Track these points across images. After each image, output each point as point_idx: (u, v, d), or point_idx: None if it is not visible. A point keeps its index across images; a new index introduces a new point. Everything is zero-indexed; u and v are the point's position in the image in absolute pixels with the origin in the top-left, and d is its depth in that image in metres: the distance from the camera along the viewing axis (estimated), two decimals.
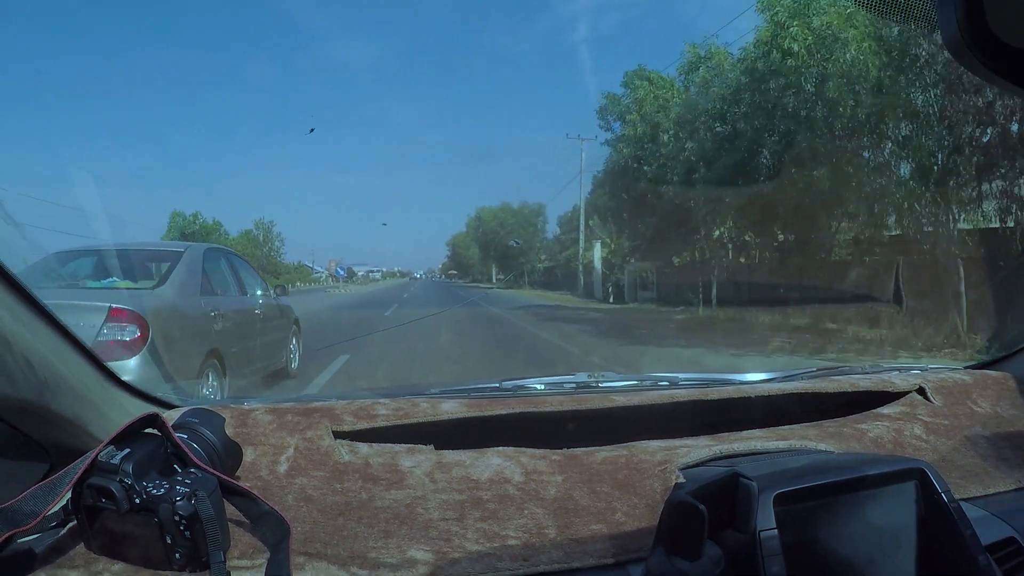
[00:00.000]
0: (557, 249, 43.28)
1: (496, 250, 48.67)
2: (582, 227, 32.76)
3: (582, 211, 32.88)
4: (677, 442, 1.13)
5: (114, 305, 3.84)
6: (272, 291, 6.67)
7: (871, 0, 0.59)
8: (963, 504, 0.97)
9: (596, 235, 31.42)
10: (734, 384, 1.39)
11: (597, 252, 30.31)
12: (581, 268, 32.40)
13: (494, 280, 53.05)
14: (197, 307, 4.70)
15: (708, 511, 0.77)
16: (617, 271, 27.24)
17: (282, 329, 6.38)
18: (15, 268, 0.85)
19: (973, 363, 1.73)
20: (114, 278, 4.68)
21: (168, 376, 3.90)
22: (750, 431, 1.20)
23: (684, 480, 0.97)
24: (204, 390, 3.96)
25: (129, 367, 3.60)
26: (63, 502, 0.83)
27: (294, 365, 6.53)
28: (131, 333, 3.78)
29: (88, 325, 3.66)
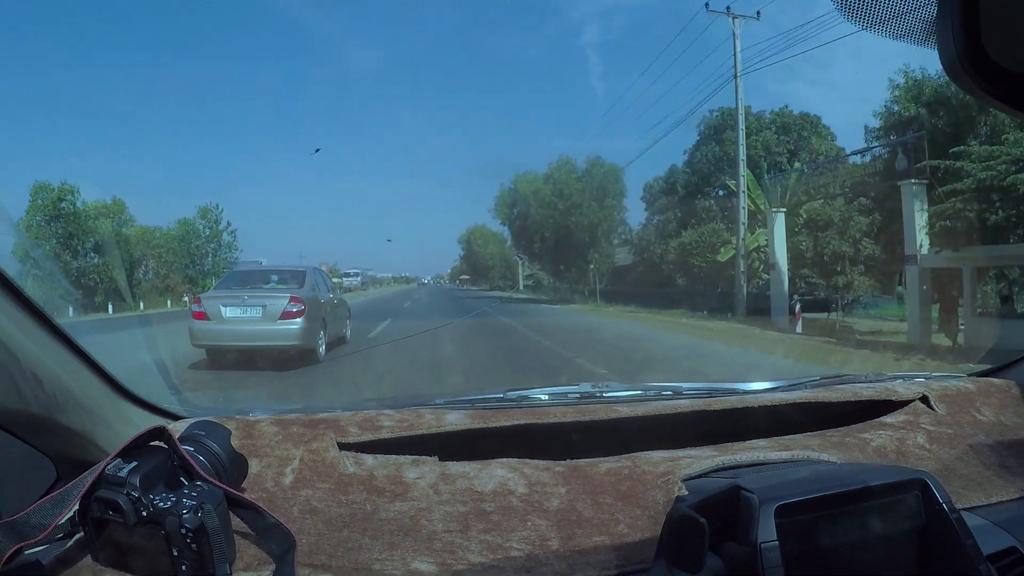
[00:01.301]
0: (652, 236, 26.60)
1: (547, 239, 28.54)
2: (741, 180, 17.99)
3: (740, 146, 18.15)
4: (680, 453, 1.14)
5: (292, 294, 8.08)
6: (339, 291, 11.76)
7: (868, 17, 0.60)
8: (965, 513, 0.97)
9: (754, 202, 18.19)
10: (738, 393, 1.40)
11: (779, 230, 16.09)
12: (742, 267, 17.86)
13: (521, 286, 41.88)
14: (316, 298, 8.62)
15: (709, 524, 0.77)
16: (817, 266, 14.93)
17: (344, 312, 10.52)
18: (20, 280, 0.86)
19: (977, 371, 1.73)
20: (273, 283, 8.85)
21: (313, 331, 8.11)
22: (753, 441, 1.21)
23: (686, 492, 0.98)
24: (319, 341, 8.22)
25: (298, 322, 7.74)
26: (70, 514, 0.83)
27: (348, 335, 10.48)
28: (299, 307, 7.93)
29: (279, 304, 7.78)
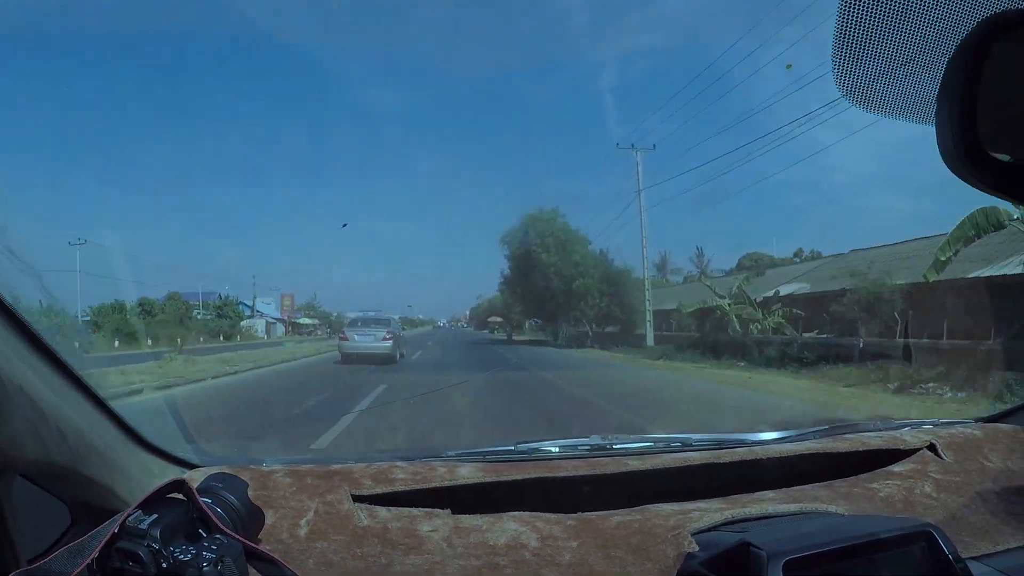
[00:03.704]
0: None
1: None
2: None
3: None
4: (690, 505, 1.14)
5: (387, 329, 17.12)
6: (403, 328, 24.39)
7: (873, 101, 0.64)
8: (972, 562, 0.98)
9: None
10: (746, 445, 1.40)
11: None
12: None
13: (651, 338, 21.16)
14: (394, 332, 17.42)
15: None
16: None
17: (403, 341, 18.86)
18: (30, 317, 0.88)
19: (985, 416, 1.73)
20: (375, 324, 17.33)
21: (395, 347, 16.90)
22: (762, 493, 1.21)
23: (696, 546, 0.99)
24: (397, 353, 17.05)
25: (389, 343, 16.61)
26: (88, 562, 0.85)
27: (405, 354, 18.01)
28: (390, 335, 16.89)
29: (381, 334, 16.76)
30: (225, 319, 29.75)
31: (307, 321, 37.06)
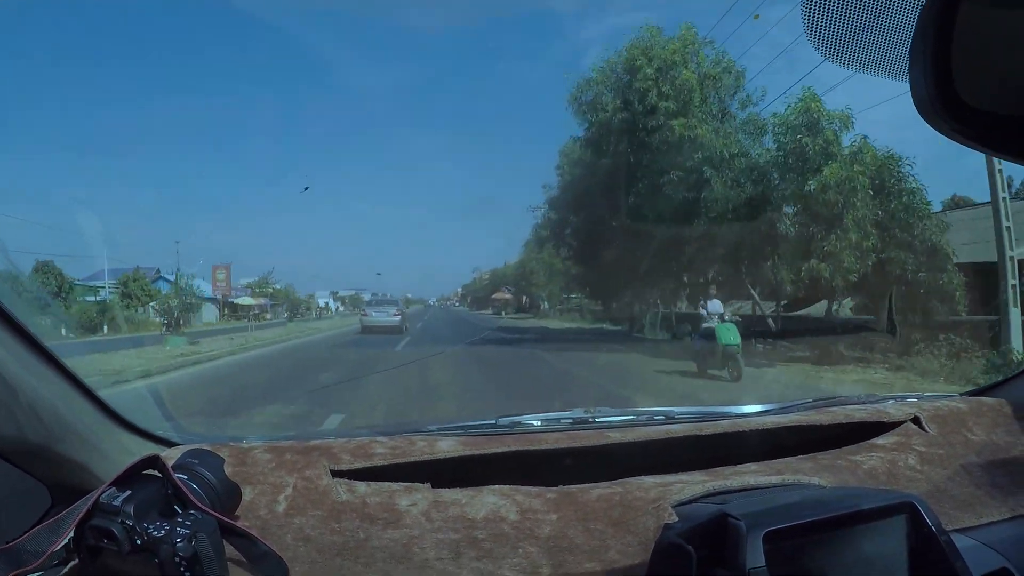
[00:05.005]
0: None
1: None
2: None
3: None
4: (672, 478, 1.14)
5: (396, 307, 23.31)
6: (407, 307, 33.01)
7: (845, 54, 0.63)
8: (956, 535, 0.98)
9: None
10: (730, 418, 1.40)
11: None
12: None
13: (1016, 340, 8.13)
14: (401, 309, 23.73)
15: (698, 551, 0.78)
16: None
17: (407, 317, 24.63)
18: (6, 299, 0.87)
19: (970, 389, 1.74)
20: (387, 303, 23.48)
21: (403, 322, 22.39)
22: (745, 465, 1.21)
23: (676, 519, 0.98)
24: (405, 326, 22.22)
25: (399, 317, 22.01)
26: (65, 541, 0.84)
27: (408, 327, 22.55)
28: (399, 312, 22.72)
29: (392, 311, 22.48)
30: (129, 299, 23.34)
31: (249, 301, 26.93)
